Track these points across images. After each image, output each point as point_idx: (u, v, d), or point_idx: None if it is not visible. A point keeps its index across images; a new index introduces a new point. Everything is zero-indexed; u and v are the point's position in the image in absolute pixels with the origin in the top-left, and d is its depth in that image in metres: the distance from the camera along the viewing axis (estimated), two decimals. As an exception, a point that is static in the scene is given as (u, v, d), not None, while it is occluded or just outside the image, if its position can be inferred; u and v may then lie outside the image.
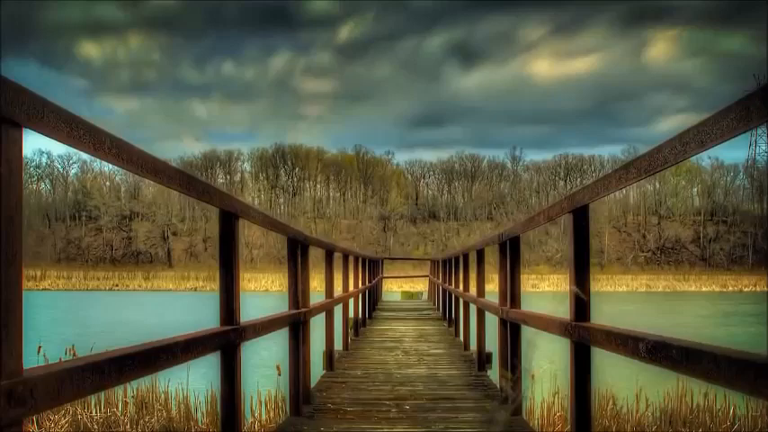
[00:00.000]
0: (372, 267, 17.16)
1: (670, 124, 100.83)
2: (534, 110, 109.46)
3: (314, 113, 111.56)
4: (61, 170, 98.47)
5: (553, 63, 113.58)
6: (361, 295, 13.19)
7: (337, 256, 9.19)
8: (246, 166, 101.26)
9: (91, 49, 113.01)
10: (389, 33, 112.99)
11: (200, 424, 8.31)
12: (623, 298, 44.40)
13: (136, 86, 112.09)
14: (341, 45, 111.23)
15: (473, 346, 9.37)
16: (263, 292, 49.40)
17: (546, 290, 51.53)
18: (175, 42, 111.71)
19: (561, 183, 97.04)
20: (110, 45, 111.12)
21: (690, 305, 39.68)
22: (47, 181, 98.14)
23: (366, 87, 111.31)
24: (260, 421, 8.31)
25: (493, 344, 6.91)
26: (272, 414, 8.43)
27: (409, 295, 28.28)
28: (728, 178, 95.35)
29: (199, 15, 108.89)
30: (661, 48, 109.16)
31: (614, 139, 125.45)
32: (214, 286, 44.41)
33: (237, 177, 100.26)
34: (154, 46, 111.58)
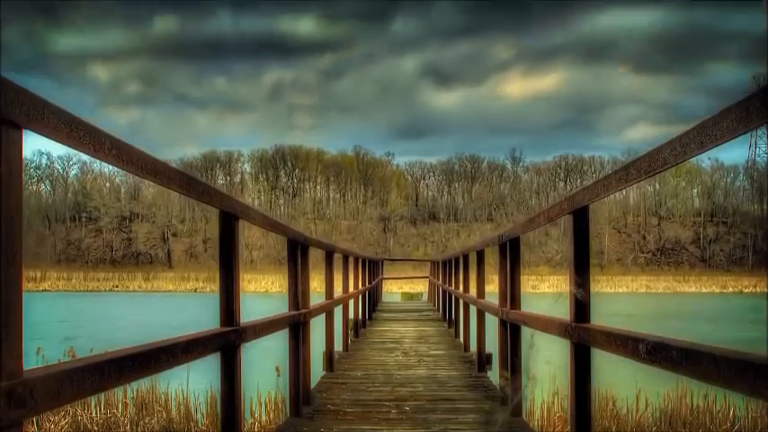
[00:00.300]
0: (372, 268, 17.16)
1: (638, 133, 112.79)
2: (509, 123, 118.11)
3: (306, 124, 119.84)
4: (61, 171, 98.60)
5: (523, 82, 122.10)
6: (361, 296, 13.19)
7: (337, 257, 9.19)
8: (246, 168, 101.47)
9: (99, 70, 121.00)
10: (367, 56, 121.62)
11: (200, 425, 8.31)
12: (627, 299, 44.38)
13: (137, 100, 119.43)
14: (324, 66, 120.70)
15: (473, 347, 9.37)
16: (262, 293, 49.39)
17: (546, 291, 51.51)
18: (176, 63, 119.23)
19: (561, 184, 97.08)
20: (115, 67, 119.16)
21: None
22: (47, 182, 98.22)
23: (349, 103, 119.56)
24: (260, 422, 8.32)
25: (493, 345, 6.91)
26: (271, 415, 8.44)
27: (409, 296, 28.29)
28: (728, 179, 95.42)
29: (198, 42, 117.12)
30: (622, 69, 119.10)
31: (587, 148, 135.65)
32: (214, 287, 44.40)
33: (237, 178, 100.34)
34: (155, 67, 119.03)
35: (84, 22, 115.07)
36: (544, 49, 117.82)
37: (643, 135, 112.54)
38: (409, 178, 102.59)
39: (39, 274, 61.66)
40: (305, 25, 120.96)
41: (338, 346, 9.56)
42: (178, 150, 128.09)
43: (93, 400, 8.34)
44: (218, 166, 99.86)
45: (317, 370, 7.51)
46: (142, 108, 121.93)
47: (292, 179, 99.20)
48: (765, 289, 61.33)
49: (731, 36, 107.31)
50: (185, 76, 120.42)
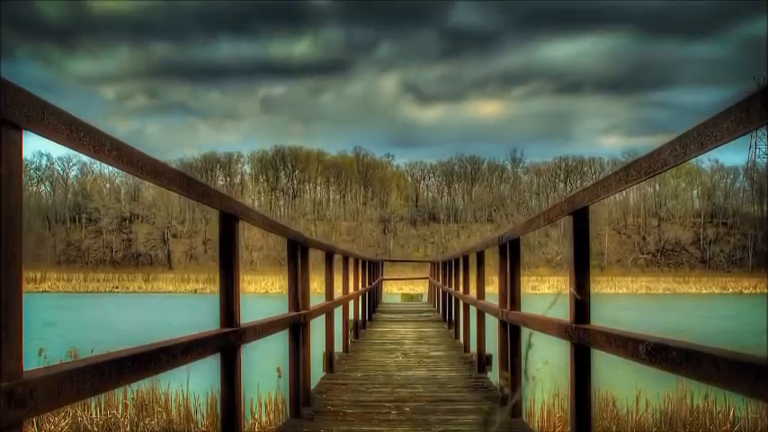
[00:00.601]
0: (372, 269, 17.16)
1: (612, 142, 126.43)
2: (488, 135, 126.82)
3: (299, 131, 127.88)
4: (61, 172, 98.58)
5: (497, 101, 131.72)
6: (361, 297, 13.19)
7: (337, 258, 9.19)
8: (246, 169, 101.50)
9: (105, 89, 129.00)
10: (354, 76, 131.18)
11: (200, 426, 8.31)
12: (627, 300, 44.38)
13: (138, 112, 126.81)
14: (316, 85, 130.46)
15: (473, 348, 9.37)
16: (263, 294, 49.38)
17: (546, 292, 51.50)
18: (176, 80, 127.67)
19: (561, 185, 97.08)
20: (120, 85, 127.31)
21: None
22: (47, 183, 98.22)
23: (337, 117, 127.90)
24: (260, 423, 8.31)
25: (493, 346, 6.91)
26: (271, 416, 8.44)
27: (409, 297, 28.29)
28: (728, 180, 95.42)
29: (196, 63, 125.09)
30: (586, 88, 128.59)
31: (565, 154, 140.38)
32: (214, 288, 44.39)
33: (237, 179, 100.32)
34: (157, 84, 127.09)
35: (98, 46, 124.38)
36: (514, 71, 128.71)
37: (616, 143, 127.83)
38: (409, 179, 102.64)
39: (39, 275, 61.64)
40: (298, 49, 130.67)
41: (338, 347, 9.56)
42: (178, 152, 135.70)
43: (93, 400, 8.34)
44: (218, 168, 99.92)
45: (317, 371, 7.51)
46: (143, 118, 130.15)
47: (292, 180, 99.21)
48: (765, 290, 61.32)
49: (687, 61, 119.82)
50: (185, 92, 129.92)
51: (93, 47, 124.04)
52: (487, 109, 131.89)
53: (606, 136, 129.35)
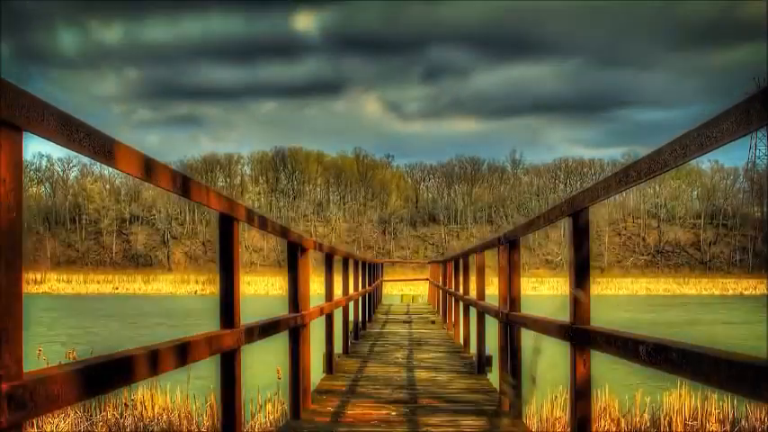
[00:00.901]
0: (372, 271, 17.15)
1: (577, 151, 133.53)
2: (468, 145, 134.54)
3: (295, 137, 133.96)
4: (61, 173, 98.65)
5: (471, 118, 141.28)
6: (360, 299, 13.19)
7: (337, 260, 9.18)
8: (246, 170, 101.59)
9: (111, 105, 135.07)
10: (334, 96, 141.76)
11: (200, 427, 8.30)
12: (627, 301, 44.36)
13: (142, 123, 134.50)
14: (301, 102, 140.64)
15: (473, 349, 9.37)
16: (262, 295, 49.36)
17: (546, 293, 51.48)
18: (177, 97, 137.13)
19: (561, 186, 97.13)
20: (127, 104, 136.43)
21: None
22: (47, 184, 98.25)
23: (325, 127, 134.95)
24: (260, 424, 8.31)
25: (493, 347, 6.91)
26: (271, 417, 8.43)
27: (409, 298, 28.27)
28: (728, 181, 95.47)
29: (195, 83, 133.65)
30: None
31: (539, 157, 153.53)
32: (214, 289, 44.32)
33: (237, 181, 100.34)
34: (158, 102, 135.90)
35: (107, 69, 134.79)
36: (486, 92, 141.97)
37: (581, 153, 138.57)
38: (409, 180, 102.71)
39: (39, 277, 61.62)
40: (291, 71, 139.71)
41: (338, 348, 9.56)
42: (179, 154, 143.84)
43: (93, 401, 8.33)
44: (218, 169, 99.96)
45: (316, 372, 7.51)
46: (147, 128, 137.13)
47: (292, 181, 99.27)
48: (765, 291, 61.32)
49: (639, 86, 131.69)
50: (186, 107, 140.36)
51: (104, 70, 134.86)
52: (464, 125, 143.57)
53: (579, 147, 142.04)
